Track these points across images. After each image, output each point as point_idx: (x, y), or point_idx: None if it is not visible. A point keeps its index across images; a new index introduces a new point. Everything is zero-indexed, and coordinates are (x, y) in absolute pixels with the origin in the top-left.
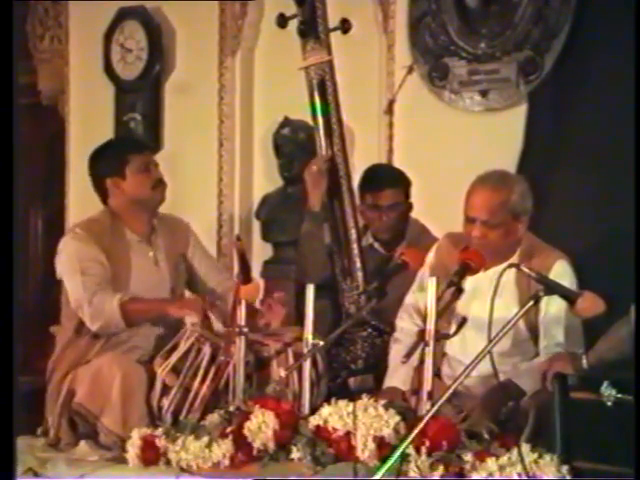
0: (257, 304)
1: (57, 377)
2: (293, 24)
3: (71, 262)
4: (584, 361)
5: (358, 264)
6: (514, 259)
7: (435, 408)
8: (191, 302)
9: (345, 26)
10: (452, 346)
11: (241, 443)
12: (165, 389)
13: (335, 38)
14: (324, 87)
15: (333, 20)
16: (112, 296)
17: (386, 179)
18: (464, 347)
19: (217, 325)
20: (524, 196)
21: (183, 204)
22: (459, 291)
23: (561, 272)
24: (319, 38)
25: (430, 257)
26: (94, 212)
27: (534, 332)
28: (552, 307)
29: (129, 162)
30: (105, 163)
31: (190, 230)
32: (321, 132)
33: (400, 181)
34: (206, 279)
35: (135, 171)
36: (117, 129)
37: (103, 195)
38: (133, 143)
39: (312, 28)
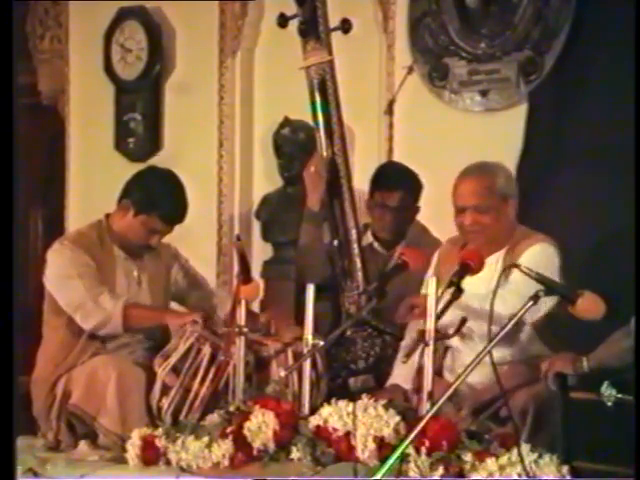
0: (255, 305)
1: (45, 389)
2: (293, 24)
3: (65, 269)
4: (585, 363)
5: (358, 264)
6: (506, 248)
7: (435, 408)
8: (190, 316)
9: (345, 26)
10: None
11: (241, 443)
12: (165, 389)
13: (335, 38)
14: (325, 87)
15: (333, 20)
16: (117, 298)
17: (399, 179)
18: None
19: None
20: (508, 179)
21: None
22: (459, 291)
23: (537, 252)
24: (320, 38)
25: (434, 260)
26: (84, 224)
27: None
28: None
29: (147, 215)
30: (138, 191)
31: (177, 252)
32: (321, 132)
33: (412, 183)
34: (199, 291)
35: (142, 224)
36: (117, 129)
37: (117, 201)
38: (169, 209)
39: (313, 28)
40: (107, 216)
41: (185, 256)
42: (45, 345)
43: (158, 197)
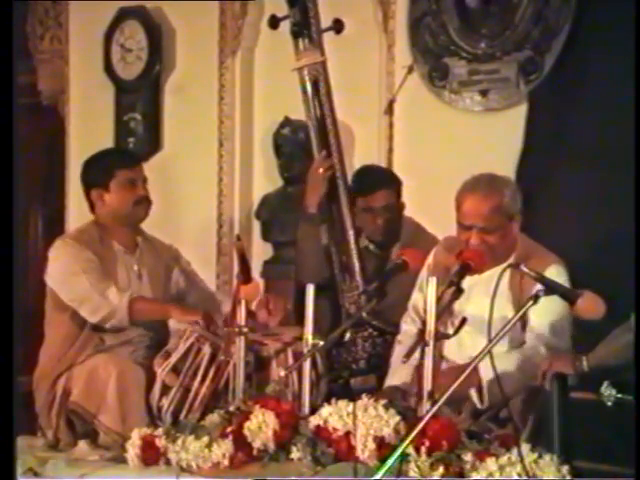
0: (253, 306)
1: (47, 385)
2: (287, 25)
3: (69, 265)
4: (585, 363)
5: (357, 264)
6: (510, 261)
7: (435, 408)
8: (194, 310)
9: (337, 26)
10: (449, 349)
11: (241, 443)
12: (165, 389)
13: (335, 38)
14: (318, 87)
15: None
16: (122, 291)
17: (377, 181)
18: (461, 349)
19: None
20: (515, 196)
21: (183, 204)
22: (459, 291)
23: (554, 275)
24: (312, 39)
25: (429, 259)
26: (83, 223)
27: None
28: (537, 311)
29: (115, 176)
30: (92, 174)
31: (179, 254)
32: (316, 133)
33: (391, 181)
34: (201, 291)
35: (119, 186)
36: (117, 129)
37: (90, 205)
38: (122, 157)
39: (305, 29)
40: None
41: (186, 257)
42: (47, 342)
43: (108, 161)
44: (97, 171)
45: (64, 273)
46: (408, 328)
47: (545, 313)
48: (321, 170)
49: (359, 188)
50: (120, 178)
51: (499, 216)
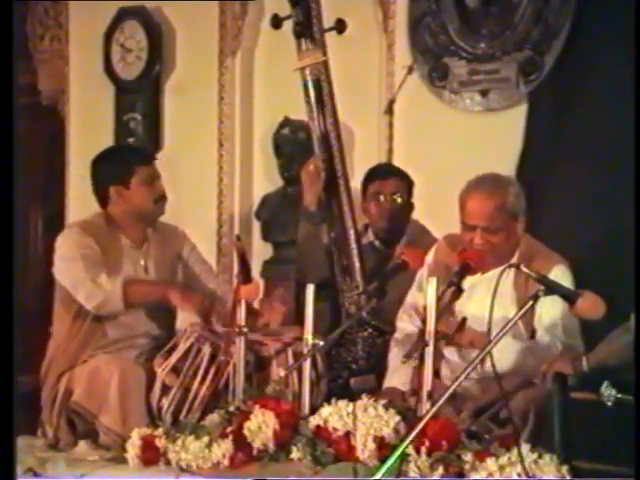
0: (256, 304)
1: (52, 378)
2: (290, 25)
3: (71, 251)
4: (584, 363)
5: (357, 264)
6: (513, 261)
7: (435, 408)
8: (193, 295)
9: (340, 26)
10: (450, 349)
11: (241, 443)
12: (165, 389)
13: (335, 38)
14: (320, 87)
15: (332, 21)
16: (115, 276)
17: (391, 169)
18: (462, 349)
19: (217, 326)
20: (519, 196)
21: (183, 204)
22: (459, 291)
23: (559, 276)
24: (314, 39)
25: (429, 258)
26: (90, 214)
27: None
28: (547, 311)
29: (136, 173)
30: (111, 170)
31: (185, 237)
32: (317, 133)
33: (405, 176)
34: (203, 281)
35: (140, 183)
36: (117, 129)
37: (103, 201)
38: (141, 153)
39: (307, 29)
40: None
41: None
42: (55, 334)
43: (128, 157)
44: (116, 167)
45: (64, 259)
46: (404, 326)
47: (557, 313)
48: (312, 167)
49: (372, 175)
50: (141, 175)
51: (503, 215)
